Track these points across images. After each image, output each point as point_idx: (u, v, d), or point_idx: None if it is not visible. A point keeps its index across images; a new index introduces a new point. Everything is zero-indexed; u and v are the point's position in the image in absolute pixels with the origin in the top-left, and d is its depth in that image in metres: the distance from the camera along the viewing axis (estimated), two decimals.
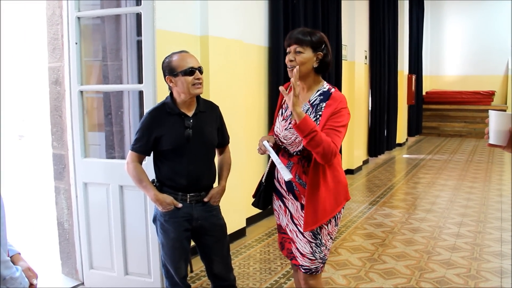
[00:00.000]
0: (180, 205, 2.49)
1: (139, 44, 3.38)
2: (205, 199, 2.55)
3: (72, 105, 3.41)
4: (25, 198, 6.30)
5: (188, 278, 2.71)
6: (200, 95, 2.54)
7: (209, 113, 2.58)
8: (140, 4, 3.06)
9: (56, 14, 3.48)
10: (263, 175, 2.53)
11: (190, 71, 2.40)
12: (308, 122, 2.11)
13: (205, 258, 2.65)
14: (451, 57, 14.46)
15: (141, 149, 2.52)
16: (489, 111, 1.66)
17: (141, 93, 3.22)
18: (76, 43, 3.34)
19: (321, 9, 6.14)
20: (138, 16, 3.20)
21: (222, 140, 2.69)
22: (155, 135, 2.47)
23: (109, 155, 3.64)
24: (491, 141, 1.65)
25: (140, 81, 3.34)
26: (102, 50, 3.61)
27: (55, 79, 3.54)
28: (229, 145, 2.79)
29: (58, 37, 3.48)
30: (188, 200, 2.50)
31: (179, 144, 2.45)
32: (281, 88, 2.21)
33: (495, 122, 1.64)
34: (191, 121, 2.48)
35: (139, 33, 3.33)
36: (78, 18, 3.33)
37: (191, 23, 4.02)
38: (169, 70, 2.44)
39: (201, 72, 2.45)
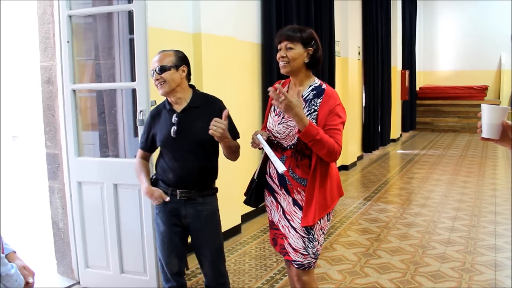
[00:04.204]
0: (167, 198, 2.51)
1: (131, 42, 3.37)
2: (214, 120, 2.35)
3: (65, 104, 3.40)
4: (19, 199, 6.28)
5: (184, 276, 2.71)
6: (195, 89, 2.56)
7: (203, 108, 2.51)
8: (132, 2, 3.05)
9: (47, 13, 3.47)
10: (255, 172, 2.54)
11: (152, 73, 2.46)
12: (312, 129, 2.14)
13: (196, 255, 2.64)
14: (444, 53, 14.51)
15: (142, 146, 2.65)
16: (482, 104, 1.67)
17: (134, 91, 3.22)
18: (68, 42, 3.33)
19: (313, 5, 6.14)
20: (130, 14, 3.18)
21: None
22: (153, 132, 2.57)
23: (103, 154, 3.63)
24: (484, 135, 1.66)
25: (133, 79, 3.34)
26: (94, 48, 3.60)
27: (47, 78, 3.52)
28: None
29: (50, 36, 3.47)
30: (178, 196, 2.50)
31: (166, 140, 2.50)
32: (270, 89, 2.15)
33: (487, 116, 1.64)
34: (178, 117, 2.48)
35: (131, 31, 3.31)
36: (70, 16, 3.32)
37: (184, 21, 4.01)
38: None
39: (160, 71, 2.42)
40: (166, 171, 2.52)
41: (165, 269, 2.61)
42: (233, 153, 2.51)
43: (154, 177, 2.61)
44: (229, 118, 2.52)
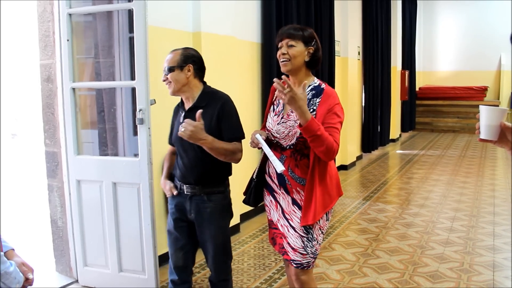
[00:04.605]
0: (175, 192, 2.56)
1: (131, 40, 3.37)
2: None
3: (64, 102, 3.40)
4: (18, 197, 6.28)
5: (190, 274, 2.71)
6: (206, 87, 2.56)
7: (209, 107, 2.45)
8: (132, 1, 3.05)
9: (47, 11, 3.47)
10: (254, 171, 2.54)
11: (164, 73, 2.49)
12: (313, 124, 2.13)
13: (202, 250, 2.65)
14: (444, 53, 14.51)
15: (169, 140, 2.73)
16: (480, 106, 1.66)
17: (133, 89, 3.22)
18: (68, 40, 3.33)
19: (313, 5, 6.14)
20: (130, 13, 3.18)
21: (224, 134, 2.44)
22: (173, 128, 2.65)
23: (102, 152, 3.63)
24: (482, 136, 1.65)
25: (132, 77, 3.34)
26: (94, 47, 3.59)
27: (47, 76, 3.52)
28: None
29: (50, 34, 3.47)
30: (185, 191, 2.54)
31: (175, 138, 2.56)
32: (276, 80, 2.13)
33: (485, 117, 1.64)
34: (184, 116, 2.49)
35: (131, 29, 3.31)
36: (70, 15, 3.32)
37: (184, 19, 4.01)
38: None
39: (168, 71, 2.44)
40: (175, 166, 2.61)
41: (170, 261, 2.67)
42: (221, 155, 2.40)
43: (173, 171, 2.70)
44: (227, 117, 2.45)
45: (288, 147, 2.36)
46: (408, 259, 3.91)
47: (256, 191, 2.54)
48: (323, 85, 2.37)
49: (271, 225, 2.56)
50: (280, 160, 2.32)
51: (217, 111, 2.44)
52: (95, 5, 3.51)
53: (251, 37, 5.12)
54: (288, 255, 2.41)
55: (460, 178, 7.12)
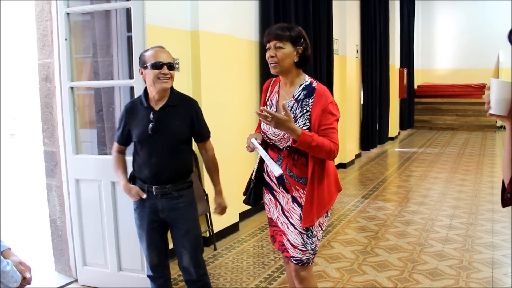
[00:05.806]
0: (144, 195, 2.58)
1: (129, 39, 3.37)
2: (214, 211, 2.71)
3: (62, 101, 3.40)
4: (17, 196, 6.27)
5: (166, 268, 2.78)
6: (173, 88, 2.61)
7: (181, 107, 2.58)
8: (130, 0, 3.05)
9: (45, 10, 3.46)
10: (252, 172, 2.53)
11: (159, 65, 2.47)
12: (306, 138, 2.15)
13: (175, 250, 2.70)
14: (442, 51, 14.52)
15: (118, 139, 2.70)
16: (491, 79, 1.56)
17: (132, 88, 3.22)
18: (66, 40, 3.32)
19: (312, 3, 6.13)
20: (128, 12, 3.18)
21: (199, 134, 2.68)
22: (128, 127, 2.63)
23: (101, 152, 3.63)
24: (493, 111, 1.55)
25: (131, 76, 3.33)
26: (92, 46, 3.59)
27: (45, 75, 3.52)
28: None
29: (48, 34, 3.46)
30: (154, 192, 2.57)
31: (143, 137, 2.55)
32: (256, 113, 2.18)
33: (497, 90, 1.53)
34: (156, 114, 2.53)
35: (129, 28, 3.31)
36: (68, 14, 3.31)
37: (182, 18, 4.01)
38: (141, 62, 2.54)
39: (170, 68, 2.50)
40: (142, 167, 2.59)
41: (145, 260, 2.76)
42: None
43: (132, 174, 2.68)
44: (201, 119, 2.66)
45: (284, 148, 2.36)
46: (407, 257, 3.91)
47: (256, 191, 2.55)
48: (314, 83, 2.35)
49: (271, 223, 2.56)
50: (277, 160, 2.33)
51: (193, 113, 2.61)
52: (93, 4, 3.51)
53: (249, 35, 5.12)
54: (288, 252, 2.42)
55: (459, 176, 7.12)
